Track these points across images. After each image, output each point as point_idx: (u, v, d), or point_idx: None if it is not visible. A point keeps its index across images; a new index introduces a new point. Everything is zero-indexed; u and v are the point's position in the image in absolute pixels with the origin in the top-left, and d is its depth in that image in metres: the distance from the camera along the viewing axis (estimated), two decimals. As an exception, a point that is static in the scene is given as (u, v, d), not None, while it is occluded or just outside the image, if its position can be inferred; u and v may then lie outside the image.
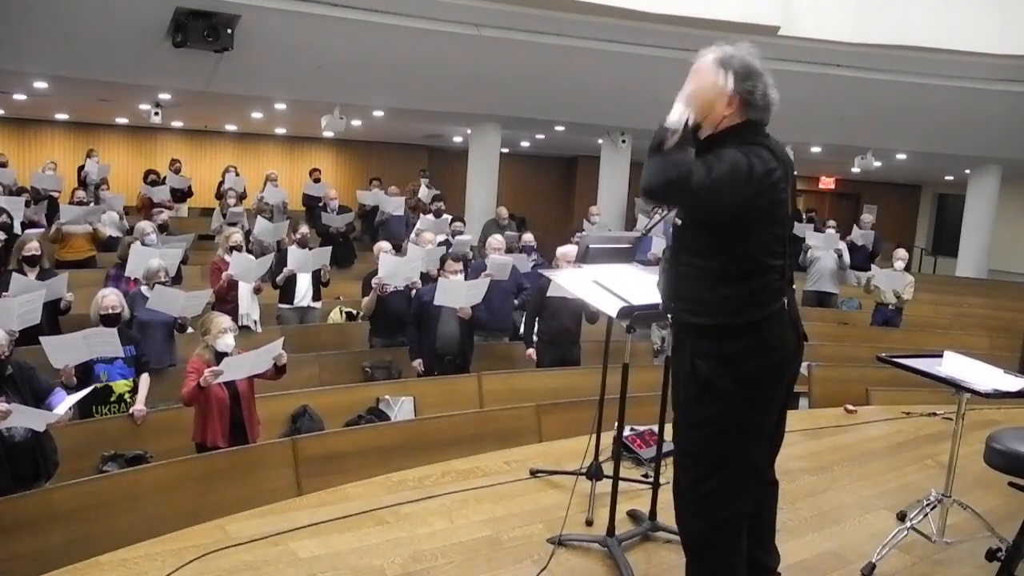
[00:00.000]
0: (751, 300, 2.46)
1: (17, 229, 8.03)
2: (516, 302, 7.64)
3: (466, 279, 6.85)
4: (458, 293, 6.39)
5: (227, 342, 4.79)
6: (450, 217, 10.92)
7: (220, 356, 4.74)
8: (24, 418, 3.91)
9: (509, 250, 8.67)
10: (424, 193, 12.47)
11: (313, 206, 12.80)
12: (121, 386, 5.25)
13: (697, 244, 2.49)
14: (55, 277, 6.44)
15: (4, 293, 5.96)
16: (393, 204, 11.37)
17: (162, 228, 8.81)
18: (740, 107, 2.45)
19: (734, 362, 2.46)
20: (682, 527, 2.67)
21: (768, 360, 2.48)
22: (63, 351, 4.82)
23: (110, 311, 5.37)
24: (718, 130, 2.47)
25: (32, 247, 6.57)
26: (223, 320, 4.91)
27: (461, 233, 10.26)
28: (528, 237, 9.03)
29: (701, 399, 2.50)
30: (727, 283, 2.45)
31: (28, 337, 5.34)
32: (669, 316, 2.61)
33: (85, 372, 5.01)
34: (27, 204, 9.54)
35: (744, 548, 2.61)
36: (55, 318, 6.32)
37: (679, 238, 2.56)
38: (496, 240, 7.96)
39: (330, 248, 8.11)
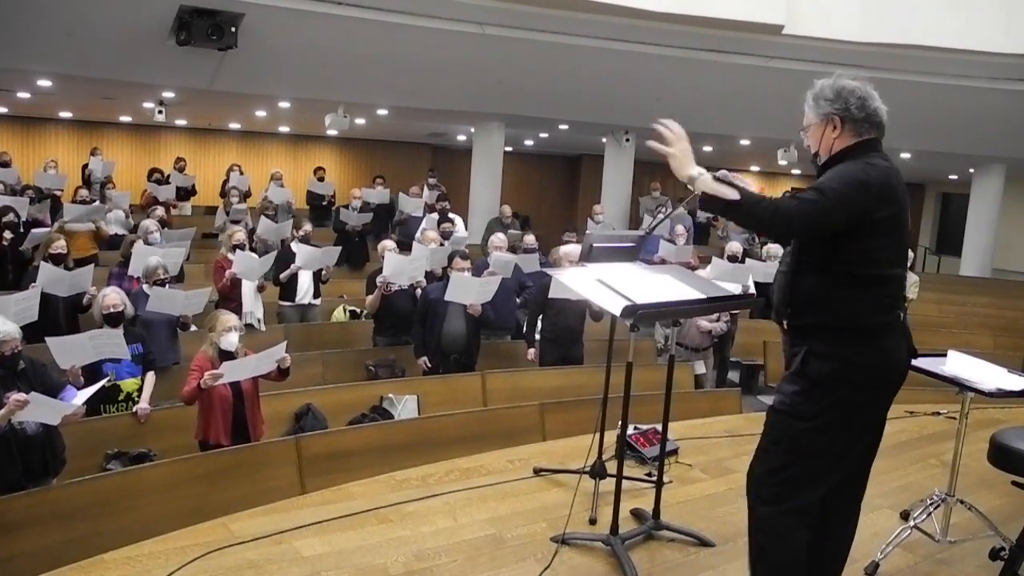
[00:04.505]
0: (870, 305, 2.53)
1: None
2: (518, 300, 7.65)
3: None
4: (470, 289, 6.40)
5: (230, 340, 4.79)
6: (436, 216, 10.75)
7: (224, 354, 4.75)
8: (41, 409, 3.90)
9: (512, 249, 8.67)
10: (427, 194, 12.47)
11: (317, 204, 12.84)
12: (129, 384, 5.26)
13: (822, 247, 2.54)
14: (81, 269, 6.48)
15: (32, 284, 6.03)
16: (412, 204, 11.35)
17: (162, 223, 8.84)
18: (844, 125, 2.56)
19: (848, 365, 2.52)
20: (755, 513, 2.71)
21: (881, 367, 2.56)
22: (69, 352, 4.79)
23: (112, 310, 5.36)
24: (833, 154, 2.60)
25: (59, 245, 6.63)
26: (229, 318, 4.91)
27: (450, 235, 9.83)
28: (530, 239, 9.00)
29: (809, 395, 2.56)
30: (848, 286, 2.51)
31: (44, 334, 5.33)
32: (783, 321, 2.67)
33: (93, 371, 4.97)
34: (31, 202, 9.56)
35: (807, 545, 2.63)
36: (74, 315, 6.35)
37: (803, 242, 2.62)
38: (498, 239, 7.97)
39: (339, 249, 8.13)
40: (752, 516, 2.72)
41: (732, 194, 2.49)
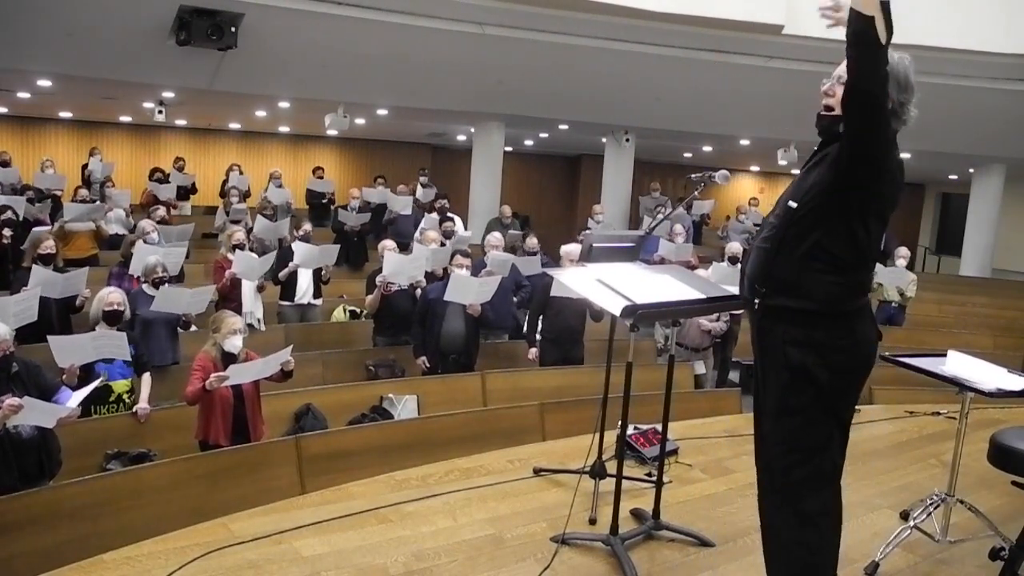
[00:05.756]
0: (849, 291, 2.50)
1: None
2: (515, 299, 7.65)
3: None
4: (470, 289, 6.40)
5: (235, 343, 4.78)
6: (436, 216, 10.81)
7: (227, 355, 4.75)
8: (35, 413, 3.89)
9: (512, 249, 8.66)
10: (421, 192, 12.47)
11: (317, 203, 12.83)
12: (120, 386, 5.24)
13: (811, 229, 2.47)
14: (75, 271, 6.47)
15: (24, 287, 6.00)
16: (401, 203, 11.37)
17: (162, 222, 8.83)
18: (890, 115, 2.43)
19: (827, 350, 2.48)
20: (770, 520, 2.65)
21: (858, 351, 2.53)
22: (70, 352, 4.80)
23: (114, 307, 5.37)
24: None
25: (48, 245, 6.61)
26: (235, 321, 4.89)
27: (452, 234, 9.94)
28: (532, 242, 8.96)
29: (793, 387, 2.51)
30: (827, 271, 2.47)
31: (39, 335, 5.33)
32: (755, 300, 2.59)
33: (86, 371, 4.97)
34: (31, 202, 9.55)
35: (837, 544, 2.61)
36: (67, 316, 6.34)
37: (789, 221, 2.52)
38: (494, 237, 7.95)
39: (338, 247, 8.12)
40: (777, 525, 2.63)
41: (882, 31, 2.32)
